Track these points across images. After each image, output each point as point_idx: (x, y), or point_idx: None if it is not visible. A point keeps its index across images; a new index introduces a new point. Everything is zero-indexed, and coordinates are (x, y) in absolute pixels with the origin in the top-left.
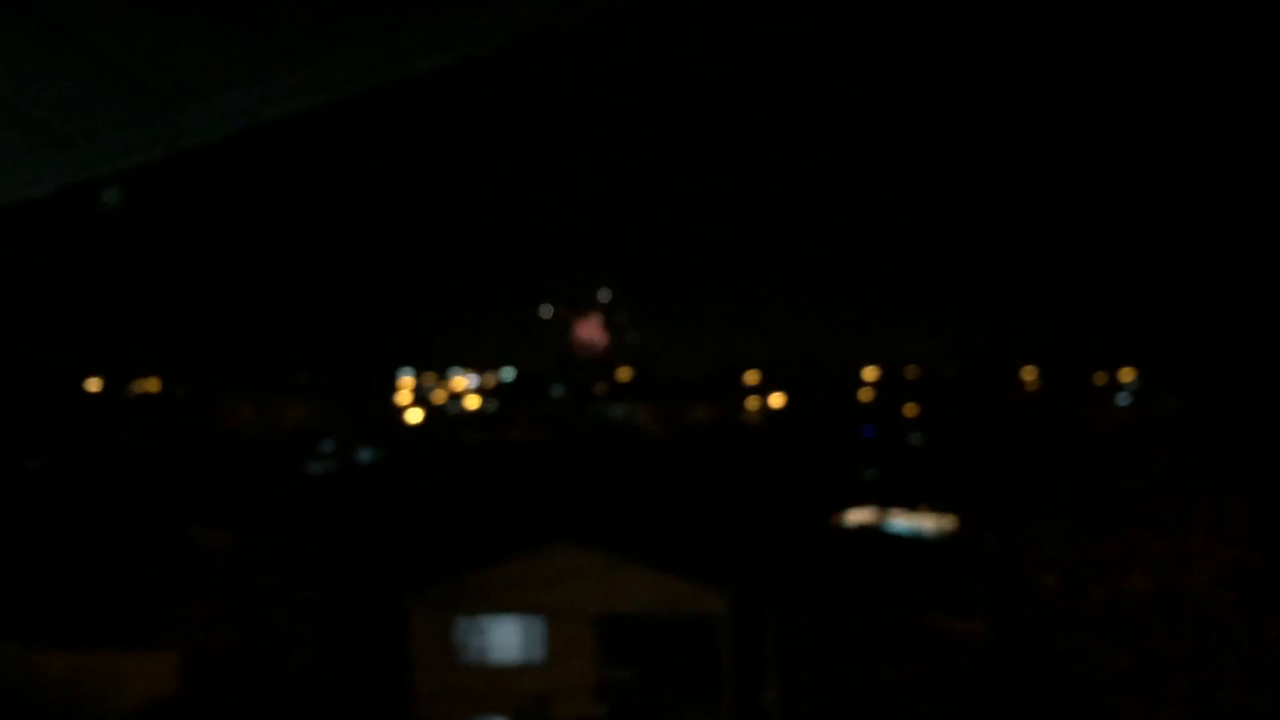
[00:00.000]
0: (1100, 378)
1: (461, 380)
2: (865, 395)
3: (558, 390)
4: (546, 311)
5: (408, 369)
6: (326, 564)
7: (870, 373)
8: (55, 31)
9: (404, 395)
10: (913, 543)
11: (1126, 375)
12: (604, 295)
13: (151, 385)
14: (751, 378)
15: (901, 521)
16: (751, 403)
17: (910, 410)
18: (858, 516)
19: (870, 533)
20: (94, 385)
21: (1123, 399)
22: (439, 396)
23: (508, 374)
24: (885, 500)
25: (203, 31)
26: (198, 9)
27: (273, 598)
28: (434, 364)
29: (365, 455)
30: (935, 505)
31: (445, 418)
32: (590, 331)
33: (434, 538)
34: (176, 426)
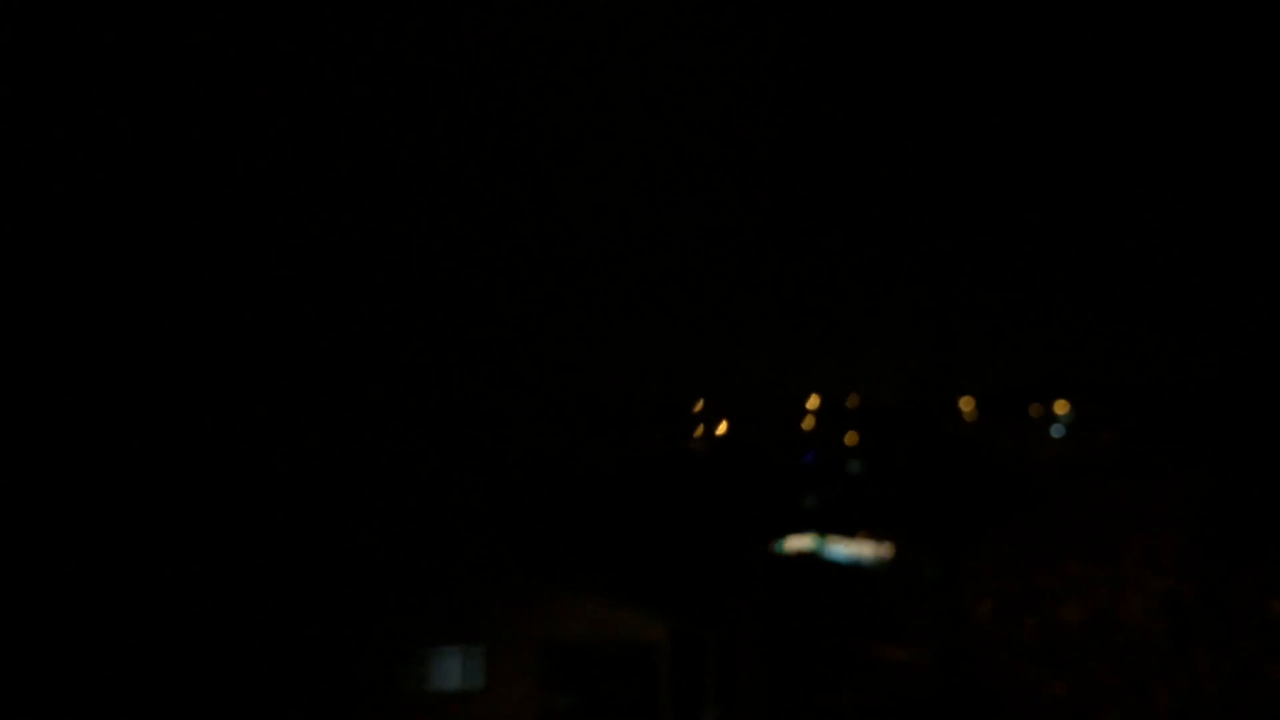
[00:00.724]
0: (1035, 409)
1: None
2: (807, 424)
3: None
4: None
5: None
6: (270, 593)
7: (812, 402)
8: None
9: None
10: (852, 570)
11: (1061, 408)
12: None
13: None
14: (695, 406)
15: (840, 549)
16: (695, 431)
17: (850, 439)
18: (797, 544)
19: (810, 560)
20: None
21: (1057, 430)
22: None
23: None
24: (824, 528)
25: None
26: None
27: None
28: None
29: None
30: (874, 533)
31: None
32: None
33: (375, 565)
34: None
